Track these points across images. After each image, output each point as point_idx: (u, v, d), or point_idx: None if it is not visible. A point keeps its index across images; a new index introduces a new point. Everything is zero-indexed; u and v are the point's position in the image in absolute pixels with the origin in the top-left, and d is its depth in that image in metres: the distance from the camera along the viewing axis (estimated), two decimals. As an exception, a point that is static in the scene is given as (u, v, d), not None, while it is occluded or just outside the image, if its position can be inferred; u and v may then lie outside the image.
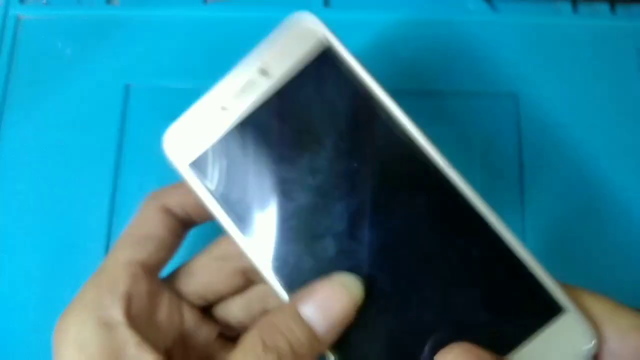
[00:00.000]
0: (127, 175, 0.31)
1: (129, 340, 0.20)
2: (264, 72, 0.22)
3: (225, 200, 0.21)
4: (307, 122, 0.21)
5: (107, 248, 0.30)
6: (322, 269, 0.21)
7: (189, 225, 0.25)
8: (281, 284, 0.21)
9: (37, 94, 0.33)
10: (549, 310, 0.20)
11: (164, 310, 0.23)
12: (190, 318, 0.23)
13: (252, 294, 0.24)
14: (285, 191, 0.21)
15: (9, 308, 0.29)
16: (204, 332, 0.24)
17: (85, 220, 0.30)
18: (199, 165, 0.22)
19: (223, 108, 0.22)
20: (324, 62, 0.21)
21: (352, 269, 0.20)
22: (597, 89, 0.32)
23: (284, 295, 0.21)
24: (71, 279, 0.30)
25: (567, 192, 0.31)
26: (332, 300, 0.19)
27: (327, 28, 0.21)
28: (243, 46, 0.33)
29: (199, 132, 0.22)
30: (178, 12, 0.34)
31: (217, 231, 0.22)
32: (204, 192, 0.22)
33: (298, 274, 0.21)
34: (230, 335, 0.25)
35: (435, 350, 0.20)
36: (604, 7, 0.34)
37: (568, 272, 0.29)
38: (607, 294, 0.29)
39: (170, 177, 0.31)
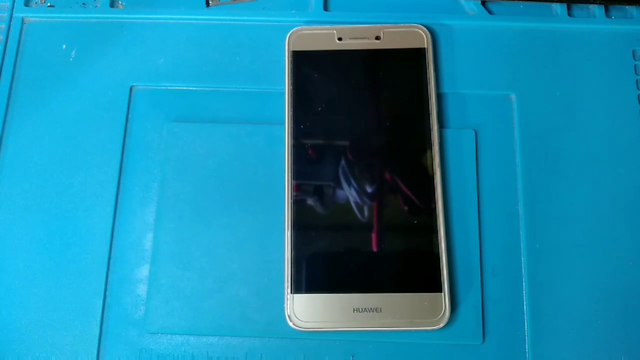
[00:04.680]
0: (131, 176, 0.31)
1: None
2: (377, 38, 0.32)
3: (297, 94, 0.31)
4: (374, 77, 0.32)
5: (110, 248, 0.30)
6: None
7: None
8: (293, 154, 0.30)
9: (42, 96, 0.33)
10: (432, 283, 0.28)
11: None
12: None
13: None
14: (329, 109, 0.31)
15: (11, 307, 0.30)
16: None
17: (89, 220, 0.31)
18: (299, 56, 0.32)
19: (339, 39, 0.32)
20: (415, 53, 0.32)
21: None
22: (592, 91, 0.33)
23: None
24: (74, 278, 0.30)
25: (564, 193, 0.31)
26: None
27: (431, 41, 0.32)
28: (244, 49, 0.34)
29: (314, 40, 0.32)
30: (181, 16, 0.34)
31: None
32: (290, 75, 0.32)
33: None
34: None
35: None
36: (599, 10, 0.34)
37: (567, 271, 0.30)
38: (605, 293, 0.30)
39: (171, 178, 0.31)
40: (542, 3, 0.34)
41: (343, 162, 0.30)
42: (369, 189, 0.30)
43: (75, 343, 0.29)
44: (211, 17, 0.34)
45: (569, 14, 0.34)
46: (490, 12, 0.34)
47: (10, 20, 0.34)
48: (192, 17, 0.34)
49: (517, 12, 0.34)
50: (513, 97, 0.33)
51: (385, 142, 0.30)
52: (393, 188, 0.30)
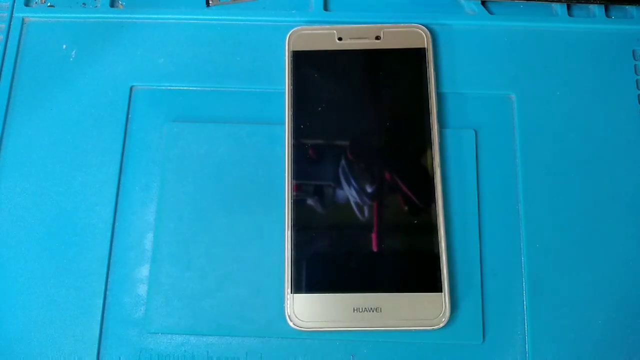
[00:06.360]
0: (131, 176, 0.31)
1: None
2: (377, 38, 0.32)
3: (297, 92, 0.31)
4: (374, 77, 0.32)
5: (110, 248, 0.30)
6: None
7: None
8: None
9: (42, 96, 0.33)
10: (432, 283, 0.28)
11: None
12: None
13: None
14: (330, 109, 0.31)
15: (11, 307, 0.30)
16: None
17: (89, 220, 0.31)
18: (299, 56, 0.32)
19: (339, 38, 0.32)
20: (415, 52, 0.32)
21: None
22: (592, 91, 0.33)
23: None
24: (74, 278, 0.30)
25: (564, 193, 0.31)
26: None
27: (431, 41, 0.32)
28: (244, 49, 0.34)
29: (314, 40, 0.32)
30: (181, 16, 0.34)
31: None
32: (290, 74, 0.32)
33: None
34: None
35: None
36: (599, 10, 0.34)
37: (567, 271, 0.30)
38: (605, 293, 0.30)
39: (171, 178, 0.31)
40: (542, 3, 0.34)
41: (343, 162, 0.30)
42: (369, 189, 0.30)
43: (75, 343, 0.29)
44: (211, 17, 0.34)
45: (569, 14, 0.34)
46: (490, 12, 0.34)
47: (10, 20, 0.34)
48: (192, 17, 0.34)
49: (517, 12, 0.34)
50: (513, 97, 0.32)
51: (385, 142, 0.30)
52: (393, 188, 0.30)
